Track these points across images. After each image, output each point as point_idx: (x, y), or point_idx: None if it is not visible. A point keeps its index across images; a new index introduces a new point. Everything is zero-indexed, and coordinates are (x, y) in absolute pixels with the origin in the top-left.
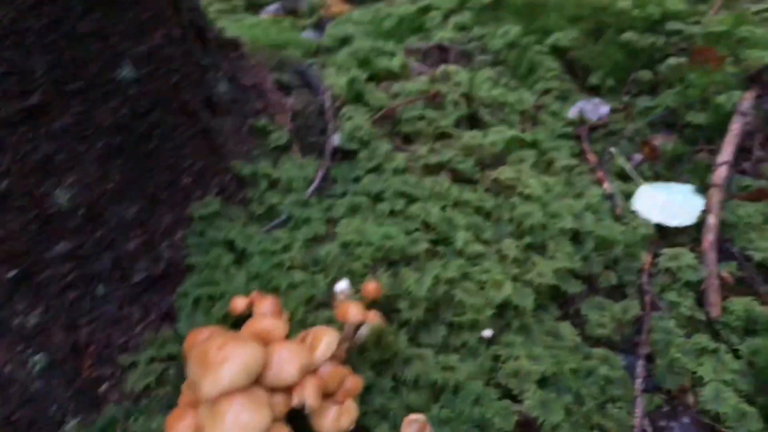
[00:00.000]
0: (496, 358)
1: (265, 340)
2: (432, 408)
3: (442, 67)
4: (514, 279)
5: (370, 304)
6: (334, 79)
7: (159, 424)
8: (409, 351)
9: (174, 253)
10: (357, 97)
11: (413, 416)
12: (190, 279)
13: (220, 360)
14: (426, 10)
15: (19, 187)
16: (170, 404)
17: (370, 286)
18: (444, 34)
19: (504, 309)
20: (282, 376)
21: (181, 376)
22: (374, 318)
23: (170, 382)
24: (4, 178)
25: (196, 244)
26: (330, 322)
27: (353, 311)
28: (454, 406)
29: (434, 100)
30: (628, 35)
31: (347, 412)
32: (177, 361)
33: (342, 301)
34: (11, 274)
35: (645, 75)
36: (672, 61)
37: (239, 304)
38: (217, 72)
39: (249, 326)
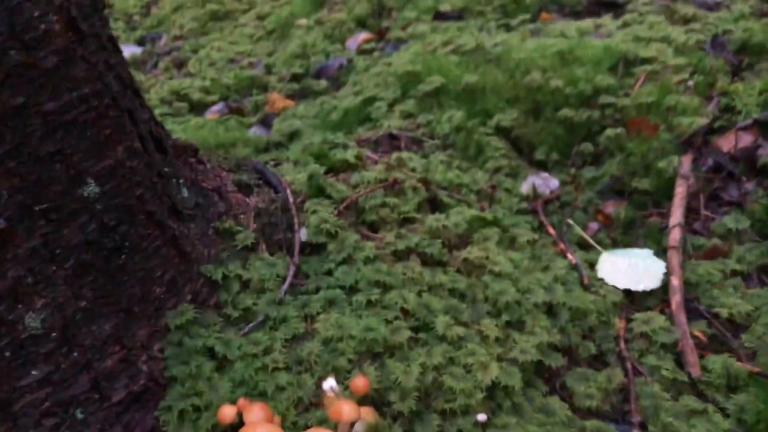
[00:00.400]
0: None
1: None
2: None
3: (395, 155)
4: (499, 359)
5: (361, 400)
6: (292, 176)
7: None
8: None
9: (153, 365)
10: (318, 191)
11: None
12: (172, 391)
13: None
14: (370, 101)
15: None
16: None
17: (359, 382)
18: (392, 123)
19: (493, 390)
20: None
21: None
22: (368, 414)
23: None
24: None
25: (175, 354)
26: (323, 421)
27: (347, 410)
28: None
29: (393, 188)
30: (565, 111)
31: None
32: None
33: (332, 400)
34: None
35: (587, 147)
36: (609, 132)
37: (228, 413)
38: (178, 179)
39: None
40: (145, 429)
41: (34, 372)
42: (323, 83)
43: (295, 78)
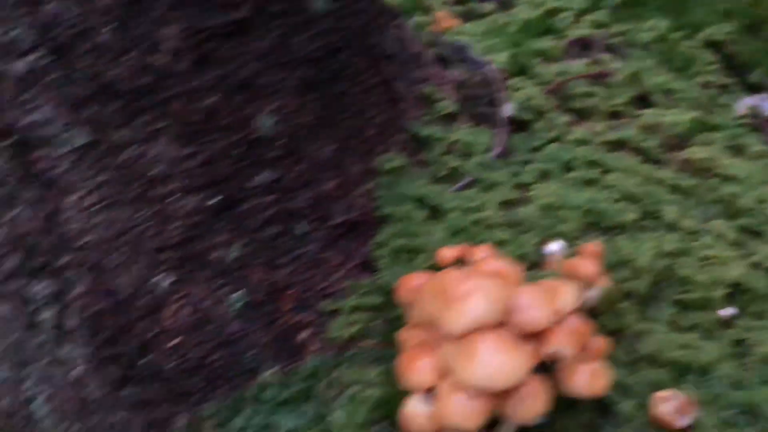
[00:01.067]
0: (738, 342)
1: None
2: (680, 389)
3: (595, 56)
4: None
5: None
6: (493, 56)
7: (373, 376)
8: (640, 325)
9: (366, 203)
10: (522, 71)
11: (664, 393)
12: (385, 230)
13: (464, 293)
14: (553, 12)
15: (225, 106)
16: (379, 356)
17: (591, 248)
18: (581, 32)
19: (735, 290)
20: (530, 320)
21: (389, 329)
22: (606, 280)
23: (376, 334)
24: (212, 93)
25: (386, 196)
26: None
27: (587, 266)
28: (708, 389)
29: (600, 79)
30: None
31: (601, 374)
32: (381, 312)
33: (556, 264)
34: (213, 201)
35: None
36: None
37: (448, 254)
38: (388, 31)
39: (478, 268)
40: (359, 260)
41: (261, 175)
42: (490, 5)
43: (459, 1)
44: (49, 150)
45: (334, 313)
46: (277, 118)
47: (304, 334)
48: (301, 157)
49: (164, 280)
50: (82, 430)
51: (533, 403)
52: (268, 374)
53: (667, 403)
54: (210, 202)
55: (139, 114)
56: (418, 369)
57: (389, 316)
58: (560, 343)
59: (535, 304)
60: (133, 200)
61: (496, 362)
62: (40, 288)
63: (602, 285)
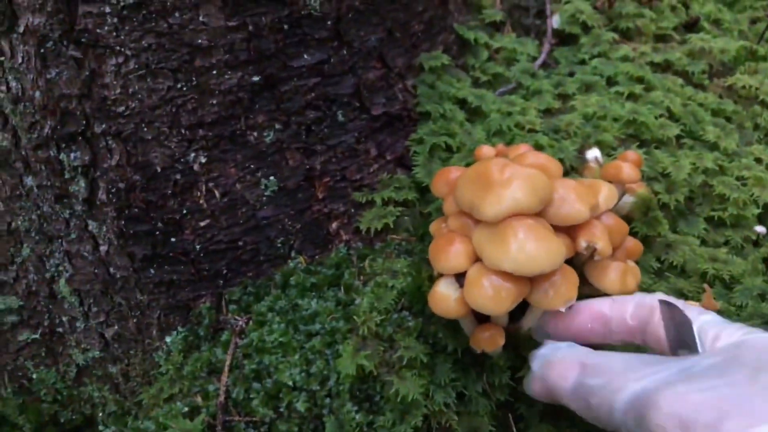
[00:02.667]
0: (766, 260)
1: None
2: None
3: None
4: None
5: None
6: None
7: (401, 267)
8: (672, 236)
9: (407, 98)
10: None
11: (690, 303)
12: (424, 126)
13: (506, 179)
14: None
15: None
16: (408, 250)
17: (632, 156)
18: None
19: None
20: (569, 212)
21: (420, 224)
22: (643, 188)
23: (407, 229)
24: None
25: (427, 94)
26: None
27: (627, 169)
28: (733, 300)
29: (649, 2)
30: None
31: (633, 272)
32: (413, 207)
33: (594, 171)
34: (256, 78)
35: None
36: None
37: (487, 151)
38: None
39: (519, 161)
40: (396, 154)
41: (306, 56)
42: None
43: None
44: (96, 5)
45: (367, 204)
46: None
47: (335, 224)
48: (346, 42)
49: (198, 159)
50: (104, 311)
51: (564, 290)
52: (297, 261)
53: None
54: (251, 80)
55: None
56: (449, 253)
57: (421, 212)
58: (595, 237)
59: (573, 198)
60: (174, 70)
61: (531, 248)
62: (73, 157)
63: (640, 192)
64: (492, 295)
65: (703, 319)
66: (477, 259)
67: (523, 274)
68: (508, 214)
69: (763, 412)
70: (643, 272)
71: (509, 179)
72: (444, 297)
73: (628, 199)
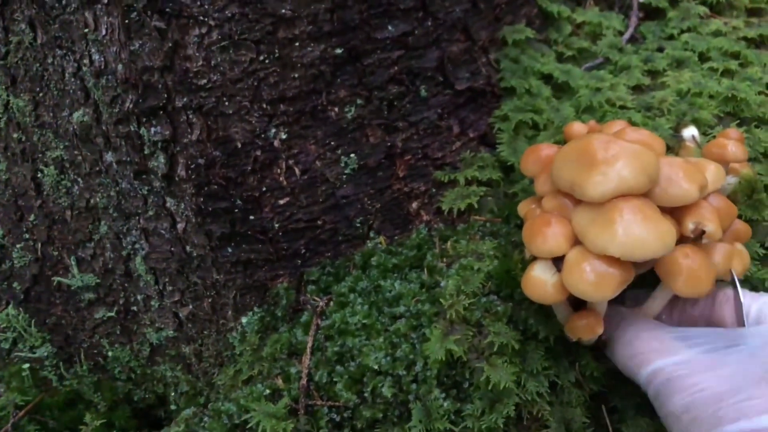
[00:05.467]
0: None
1: None
2: None
3: None
4: None
5: None
6: None
7: (487, 249)
8: None
9: (491, 72)
10: None
11: None
12: (508, 103)
13: (611, 157)
14: None
15: None
16: (493, 231)
17: (734, 134)
18: None
19: None
20: (677, 192)
21: (505, 204)
22: (746, 167)
23: (491, 210)
24: None
25: (511, 69)
26: None
27: (733, 147)
28: None
29: None
30: None
31: (740, 256)
32: (498, 187)
33: (691, 151)
34: (338, 51)
35: None
36: None
37: (578, 129)
38: None
39: (619, 136)
40: (479, 132)
41: (390, 27)
42: None
43: None
44: None
45: (449, 184)
46: None
47: (416, 204)
48: (431, 12)
49: (278, 135)
50: (179, 290)
51: (702, 279)
52: (376, 242)
53: None
54: (334, 52)
55: None
56: (546, 235)
57: (505, 192)
58: (705, 219)
59: (681, 177)
60: (257, 42)
61: (639, 231)
62: (153, 132)
63: (745, 173)
64: (594, 281)
65: (762, 300)
66: (576, 241)
67: (630, 258)
68: (615, 194)
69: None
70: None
71: (615, 156)
72: (540, 281)
73: (732, 180)
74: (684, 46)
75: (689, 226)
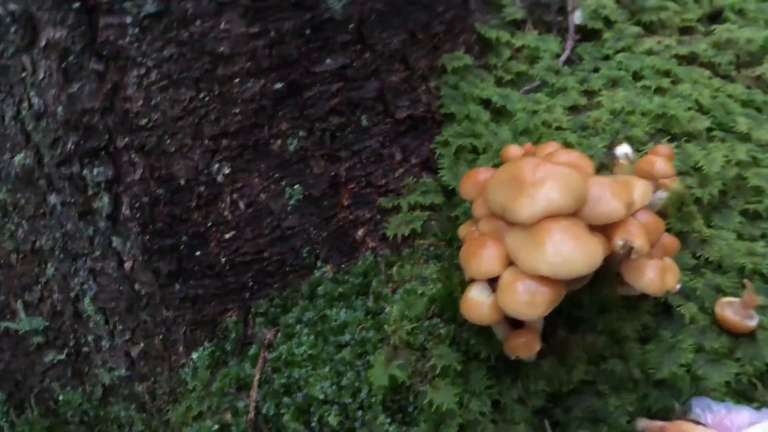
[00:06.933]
0: None
1: None
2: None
3: None
4: None
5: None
6: None
7: (431, 272)
8: (707, 231)
9: (431, 99)
10: None
11: (730, 298)
12: (448, 128)
13: (539, 180)
14: None
15: None
16: (437, 254)
17: (663, 150)
18: None
19: None
20: (605, 210)
21: (448, 228)
22: (677, 183)
23: (435, 234)
24: None
25: (451, 95)
26: None
27: (661, 164)
28: None
29: None
30: None
31: (672, 270)
32: (440, 211)
33: (625, 168)
34: (279, 85)
35: None
36: None
37: (514, 152)
38: None
39: (549, 159)
40: (420, 158)
41: (329, 61)
42: None
43: None
44: (117, 16)
45: (394, 210)
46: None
47: (361, 231)
48: (369, 45)
49: (222, 170)
50: (129, 329)
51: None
52: (323, 271)
53: (734, 306)
54: (274, 87)
55: None
56: (481, 257)
57: (448, 216)
58: (632, 235)
59: (608, 196)
60: (197, 80)
61: (568, 249)
62: (96, 173)
63: (673, 187)
64: (527, 300)
65: None
66: (510, 263)
67: (559, 277)
68: (543, 215)
69: None
70: (678, 269)
71: (543, 179)
72: (477, 303)
73: (662, 195)
74: (618, 66)
75: (618, 243)
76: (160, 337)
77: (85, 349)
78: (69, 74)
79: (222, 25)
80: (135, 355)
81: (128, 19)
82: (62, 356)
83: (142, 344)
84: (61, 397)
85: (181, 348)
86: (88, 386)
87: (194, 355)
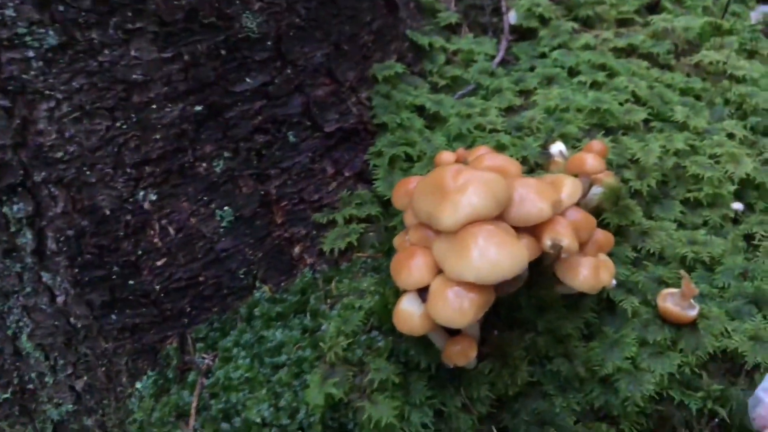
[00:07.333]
0: (748, 237)
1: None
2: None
3: None
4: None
5: None
6: None
7: (368, 285)
8: (647, 223)
9: (362, 111)
10: None
11: (671, 290)
12: (382, 138)
13: (461, 186)
14: None
15: (206, 4)
16: (375, 267)
17: (596, 146)
18: None
19: (744, 186)
20: (530, 211)
21: (385, 239)
22: (611, 177)
23: (373, 246)
24: None
25: (383, 105)
26: None
27: (591, 160)
28: (715, 282)
29: None
30: None
31: (605, 265)
32: (377, 223)
33: (560, 165)
34: (197, 108)
35: None
36: None
37: (447, 158)
38: None
39: (475, 164)
40: (354, 170)
41: (248, 80)
42: None
43: None
44: (19, 51)
45: (329, 224)
46: (263, 17)
47: (298, 248)
48: (290, 61)
49: (147, 197)
50: (71, 363)
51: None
52: (262, 291)
53: (675, 297)
54: (194, 110)
55: (112, 13)
56: (410, 268)
57: (385, 227)
58: (560, 234)
59: (534, 197)
60: (111, 109)
61: (492, 255)
62: (16, 209)
63: (607, 182)
64: (457, 308)
65: None
66: (439, 271)
67: (486, 282)
68: (467, 221)
69: None
70: (619, 263)
71: (464, 185)
72: (408, 314)
73: (597, 191)
74: (554, 63)
75: (546, 242)
76: (103, 369)
77: (30, 386)
78: None
79: (132, 52)
80: (80, 389)
81: (30, 53)
82: (7, 395)
83: (85, 377)
84: None
85: (125, 378)
86: (38, 423)
87: (138, 385)
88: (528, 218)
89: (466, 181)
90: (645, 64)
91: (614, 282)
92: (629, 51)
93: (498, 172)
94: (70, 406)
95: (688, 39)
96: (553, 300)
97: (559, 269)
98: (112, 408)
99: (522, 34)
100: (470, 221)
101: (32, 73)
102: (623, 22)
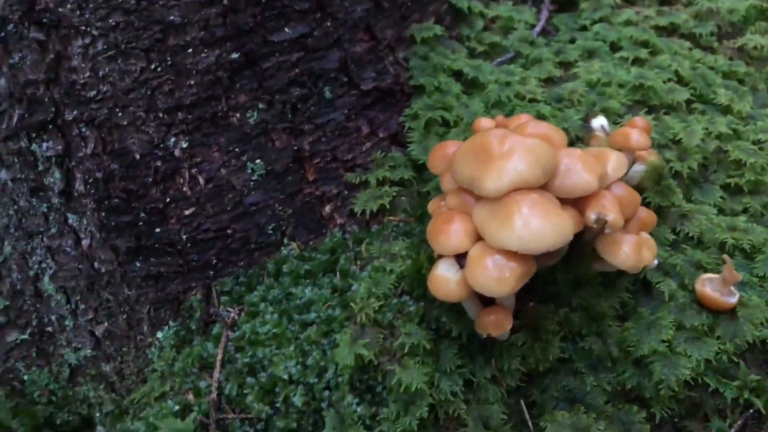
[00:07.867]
0: None
1: None
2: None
3: None
4: None
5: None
6: None
7: (399, 249)
8: (687, 205)
9: (399, 70)
10: None
11: (710, 275)
12: (418, 101)
13: (507, 152)
14: None
15: None
16: (406, 231)
17: (640, 122)
18: None
19: None
20: (576, 183)
21: (417, 203)
22: (654, 155)
23: (405, 210)
24: None
25: (421, 66)
26: None
27: (636, 136)
28: (755, 270)
29: None
30: None
31: (648, 244)
32: (410, 188)
33: (601, 140)
34: (235, 55)
35: None
36: None
37: (485, 124)
38: None
39: (519, 132)
40: (389, 132)
41: (287, 30)
42: None
43: None
44: None
45: (361, 185)
46: None
47: (329, 207)
48: (330, 13)
49: (179, 144)
50: (92, 308)
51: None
52: (290, 248)
53: (714, 283)
54: (230, 57)
55: None
56: (449, 233)
57: (418, 191)
58: (605, 209)
59: (580, 168)
60: (146, 50)
61: (536, 224)
62: (45, 147)
63: (651, 160)
64: (496, 276)
65: None
66: (479, 238)
67: (528, 252)
68: (511, 188)
69: None
70: (657, 244)
71: (510, 151)
72: (444, 280)
73: (639, 168)
74: (595, 37)
75: (591, 216)
76: (124, 316)
77: (49, 328)
78: (8, 44)
79: None
80: (100, 335)
81: None
82: (26, 336)
83: (106, 324)
84: (26, 378)
85: (146, 327)
86: (54, 366)
87: (159, 335)
88: (573, 190)
89: (512, 147)
90: (687, 44)
91: (656, 262)
92: (671, 30)
93: (543, 140)
94: (89, 351)
95: (732, 21)
96: (590, 277)
97: (600, 245)
98: (131, 356)
99: (562, 5)
100: (515, 188)
101: (68, 6)
102: (666, 0)
